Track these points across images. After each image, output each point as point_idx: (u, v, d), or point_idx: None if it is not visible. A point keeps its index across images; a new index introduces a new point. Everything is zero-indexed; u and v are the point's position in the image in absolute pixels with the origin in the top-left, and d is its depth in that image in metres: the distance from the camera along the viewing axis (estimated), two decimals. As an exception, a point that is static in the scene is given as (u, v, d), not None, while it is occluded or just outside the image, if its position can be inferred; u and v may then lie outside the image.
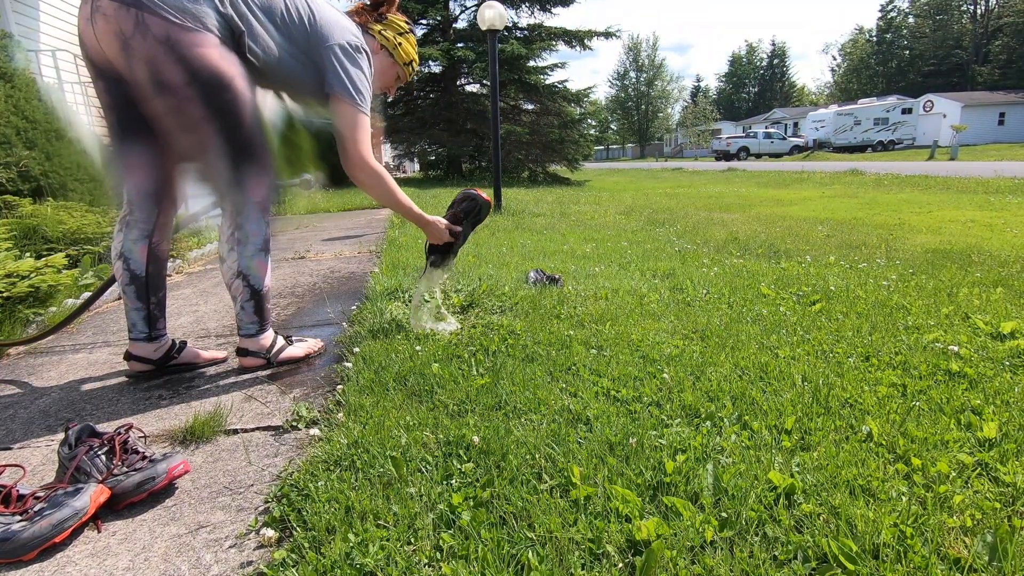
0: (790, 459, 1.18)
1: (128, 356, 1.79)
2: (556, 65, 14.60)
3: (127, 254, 1.71)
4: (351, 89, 1.69)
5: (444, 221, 2.04)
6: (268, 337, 1.83)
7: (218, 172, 1.61)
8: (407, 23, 1.99)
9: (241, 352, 1.82)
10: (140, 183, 1.68)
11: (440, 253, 2.10)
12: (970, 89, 41.63)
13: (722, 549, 0.94)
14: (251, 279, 1.72)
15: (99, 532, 1.08)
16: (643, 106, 60.51)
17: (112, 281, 1.94)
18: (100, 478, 1.14)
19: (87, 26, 1.46)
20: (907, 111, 31.87)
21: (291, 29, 1.64)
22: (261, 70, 1.63)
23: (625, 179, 15.83)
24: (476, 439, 1.27)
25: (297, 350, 1.89)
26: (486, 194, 2.12)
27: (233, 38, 1.55)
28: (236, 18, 1.53)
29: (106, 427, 1.27)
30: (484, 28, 5.92)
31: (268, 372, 1.82)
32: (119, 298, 2.87)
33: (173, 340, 1.84)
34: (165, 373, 1.83)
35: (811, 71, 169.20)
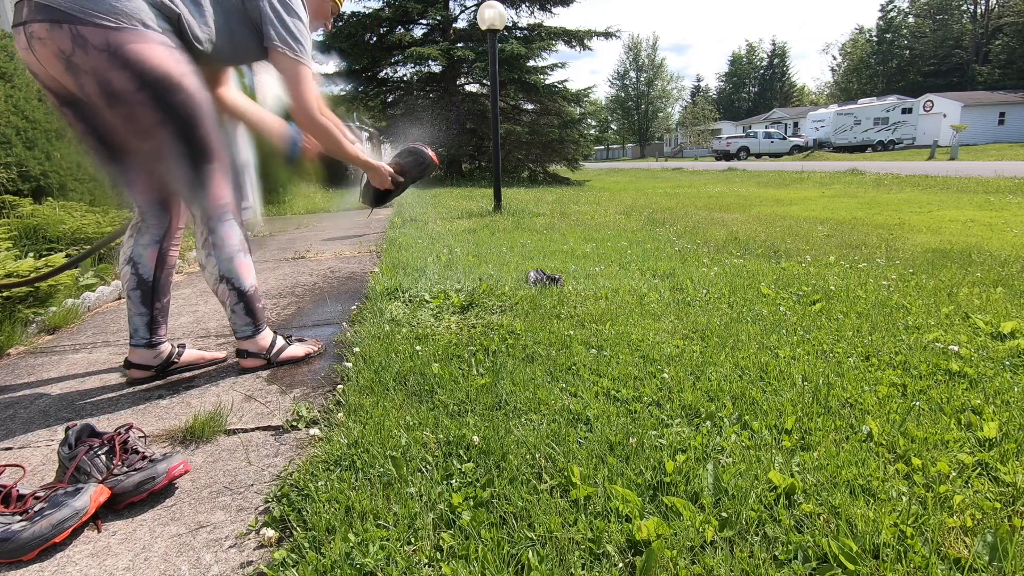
0: (790, 459, 1.18)
1: (128, 364, 1.77)
2: (556, 65, 14.59)
3: (136, 259, 1.70)
4: (289, 40, 1.62)
5: (389, 169, 2.05)
6: (266, 337, 1.82)
7: (179, 176, 1.58)
8: None
9: (241, 354, 1.82)
10: (146, 195, 1.68)
11: (377, 197, 2.15)
12: (970, 89, 41.61)
13: (722, 549, 0.94)
14: (234, 282, 1.70)
15: (99, 532, 1.08)
16: (643, 106, 60.49)
17: (120, 233, 1.89)
18: (100, 478, 1.14)
19: (28, 55, 1.41)
20: (907, 111, 31.87)
21: None
22: (209, 52, 1.57)
23: (625, 179, 15.82)
24: (476, 439, 1.27)
25: (297, 350, 1.89)
26: (433, 153, 2.13)
27: (173, 27, 1.48)
28: (169, 2, 1.45)
29: (106, 427, 1.27)
30: (484, 28, 5.92)
31: (268, 372, 1.82)
32: (119, 298, 2.88)
33: (172, 345, 1.84)
34: (166, 377, 1.82)
35: (811, 71, 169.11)
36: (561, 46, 14.49)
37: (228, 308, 1.75)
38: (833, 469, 1.13)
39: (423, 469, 1.19)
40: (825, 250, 3.54)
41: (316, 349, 1.95)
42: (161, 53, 1.43)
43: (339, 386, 1.65)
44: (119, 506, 1.14)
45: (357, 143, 1.94)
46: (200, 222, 1.65)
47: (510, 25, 14.46)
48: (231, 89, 1.88)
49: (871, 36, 53.50)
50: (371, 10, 13.93)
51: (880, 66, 51.59)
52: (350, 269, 3.45)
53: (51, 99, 1.52)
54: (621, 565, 0.92)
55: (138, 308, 1.73)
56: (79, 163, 3.82)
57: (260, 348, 1.81)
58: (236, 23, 1.60)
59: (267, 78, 1.94)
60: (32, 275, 2.32)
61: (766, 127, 37.09)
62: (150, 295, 1.73)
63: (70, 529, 1.04)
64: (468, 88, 14.86)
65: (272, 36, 1.61)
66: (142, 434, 1.33)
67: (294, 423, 1.45)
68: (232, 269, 1.68)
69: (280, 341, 1.86)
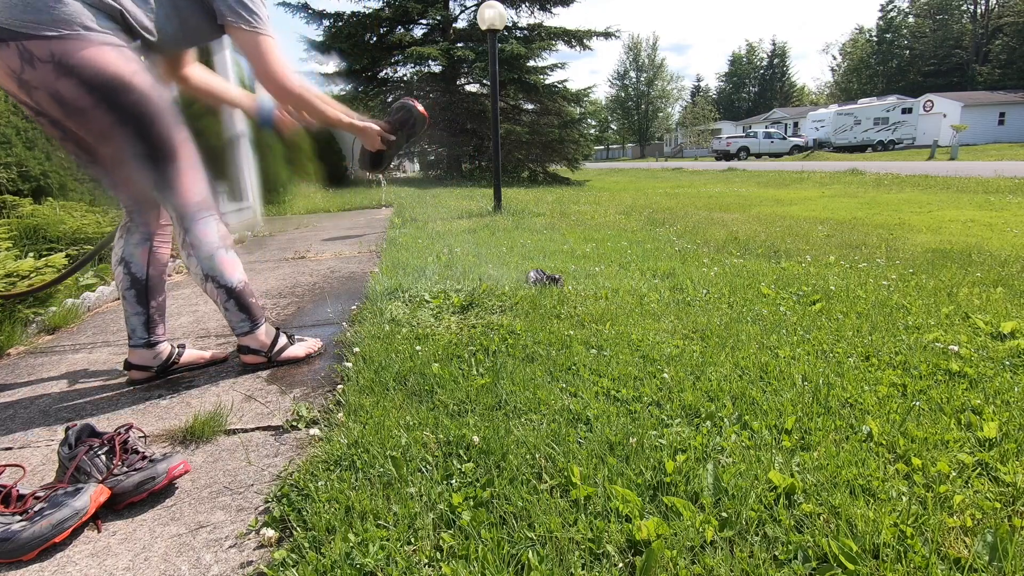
0: (790, 459, 1.18)
1: (128, 366, 1.77)
2: (556, 65, 14.58)
3: (128, 259, 1.69)
4: (242, 11, 1.54)
5: (377, 128, 1.97)
6: (266, 333, 1.82)
7: (144, 177, 1.55)
8: None
9: (243, 350, 1.82)
10: (132, 194, 1.67)
11: (371, 160, 2.09)
12: (970, 89, 41.60)
13: (722, 549, 0.94)
14: (219, 279, 1.68)
15: (99, 532, 1.08)
16: (643, 106, 60.45)
17: (110, 240, 1.88)
18: (100, 478, 1.14)
19: None
20: (907, 111, 31.85)
21: None
22: (160, 41, 1.54)
23: (625, 179, 15.82)
24: (476, 439, 1.27)
25: (298, 350, 1.89)
26: (422, 107, 2.09)
27: (118, 23, 1.44)
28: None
29: (106, 427, 1.27)
30: (484, 28, 5.92)
31: (268, 372, 1.82)
32: (119, 298, 2.87)
33: (172, 346, 1.84)
34: (165, 378, 1.82)
35: (811, 71, 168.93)
36: (561, 46, 14.49)
37: (220, 306, 1.74)
38: (833, 469, 1.13)
39: (423, 469, 1.19)
40: (825, 250, 3.54)
41: (316, 349, 1.95)
42: (107, 55, 1.40)
43: (339, 386, 1.65)
44: (119, 506, 1.14)
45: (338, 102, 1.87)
46: (176, 223, 1.63)
47: (510, 25, 14.46)
48: (196, 67, 1.86)
49: (871, 36, 53.47)
50: (371, 10, 13.94)
51: (880, 66, 51.58)
52: (350, 269, 3.45)
53: (27, 111, 1.51)
54: (621, 565, 0.92)
55: (134, 308, 1.73)
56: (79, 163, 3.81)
57: (261, 344, 1.81)
58: (184, 4, 1.54)
59: None
60: (34, 275, 2.32)
61: (766, 127, 37.07)
62: (144, 294, 1.72)
63: (70, 529, 1.04)
64: (468, 88, 14.86)
65: (223, 12, 1.54)
66: (142, 434, 1.33)
67: (294, 423, 1.45)
68: (214, 267, 1.66)
69: (283, 339, 1.86)
